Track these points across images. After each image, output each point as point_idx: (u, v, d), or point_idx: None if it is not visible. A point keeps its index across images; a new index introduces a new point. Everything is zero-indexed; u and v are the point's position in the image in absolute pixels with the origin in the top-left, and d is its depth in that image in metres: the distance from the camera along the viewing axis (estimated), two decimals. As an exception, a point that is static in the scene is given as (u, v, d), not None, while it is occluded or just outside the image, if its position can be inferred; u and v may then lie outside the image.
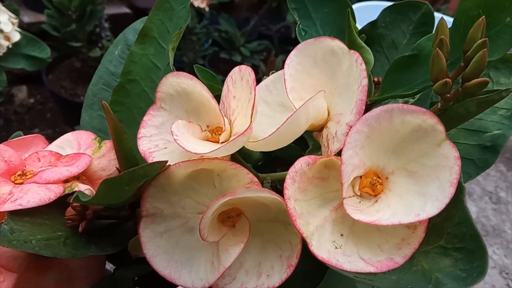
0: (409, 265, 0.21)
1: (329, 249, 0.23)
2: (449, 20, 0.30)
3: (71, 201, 0.25)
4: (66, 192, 0.27)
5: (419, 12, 0.38)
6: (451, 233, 0.21)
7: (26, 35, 1.01)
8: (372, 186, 0.24)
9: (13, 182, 0.28)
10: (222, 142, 0.26)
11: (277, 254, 0.24)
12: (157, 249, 0.25)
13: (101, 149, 0.32)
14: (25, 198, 0.26)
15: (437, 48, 0.24)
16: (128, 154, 0.27)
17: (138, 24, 0.40)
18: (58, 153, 0.31)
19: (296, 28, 0.36)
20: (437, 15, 0.32)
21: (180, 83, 0.28)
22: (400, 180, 0.24)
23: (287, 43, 1.60)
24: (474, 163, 0.35)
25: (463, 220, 0.21)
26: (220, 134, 0.27)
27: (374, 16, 0.39)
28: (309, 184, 0.24)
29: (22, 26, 1.11)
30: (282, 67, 0.31)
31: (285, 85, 0.27)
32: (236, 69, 0.27)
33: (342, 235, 0.24)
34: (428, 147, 0.23)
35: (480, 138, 0.35)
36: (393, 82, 0.34)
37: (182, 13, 0.34)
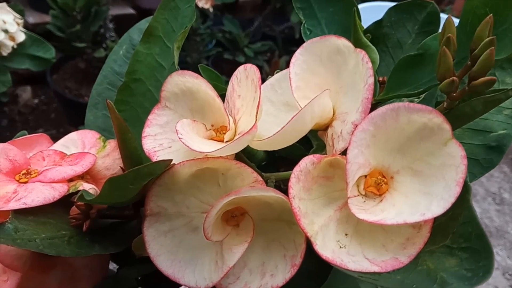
0: (414, 264, 0.21)
1: (333, 248, 0.23)
2: (455, 21, 0.30)
3: (75, 200, 0.26)
4: (71, 191, 0.27)
5: (425, 12, 0.38)
6: (457, 233, 0.21)
7: (31, 35, 1.01)
8: (377, 185, 0.24)
9: (17, 181, 0.28)
10: (226, 141, 0.26)
11: (281, 254, 0.24)
12: (161, 248, 0.25)
13: (105, 148, 0.32)
14: (29, 197, 0.26)
15: (444, 46, 0.24)
16: (132, 153, 0.27)
17: (143, 23, 0.40)
18: (62, 152, 0.31)
19: (301, 28, 0.36)
20: (442, 16, 0.32)
21: (185, 82, 0.28)
22: (405, 180, 0.24)
23: (291, 44, 1.60)
24: (479, 163, 0.34)
25: (468, 219, 0.21)
26: (224, 133, 0.27)
27: (378, 17, 0.39)
28: (313, 183, 0.24)
29: (27, 26, 1.12)
30: (286, 68, 0.31)
31: (290, 84, 0.27)
32: (241, 68, 0.27)
33: (346, 234, 0.23)
34: (434, 146, 0.23)
35: (485, 138, 0.35)
36: (398, 81, 0.34)
37: (187, 12, 0.34)
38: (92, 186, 0.29)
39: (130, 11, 1.66)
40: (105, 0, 1.29)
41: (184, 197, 0.25)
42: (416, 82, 0.33)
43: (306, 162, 0.23)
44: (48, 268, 0.27)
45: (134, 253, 0.28)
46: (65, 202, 0.27)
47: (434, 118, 0.22)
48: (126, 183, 0.22)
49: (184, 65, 1.43)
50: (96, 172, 0.31)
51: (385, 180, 0.24)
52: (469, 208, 0.21)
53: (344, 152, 0.24)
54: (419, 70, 0.33)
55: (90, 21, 1.26)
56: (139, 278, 0.32)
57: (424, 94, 0.34)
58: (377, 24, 0.39)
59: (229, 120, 0.27)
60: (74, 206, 0.27)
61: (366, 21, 0.40)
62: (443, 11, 1.58)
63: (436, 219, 0.21)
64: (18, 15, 0.98)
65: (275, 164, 0.37)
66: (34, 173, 0.29)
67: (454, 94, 0.25)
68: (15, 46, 0.96)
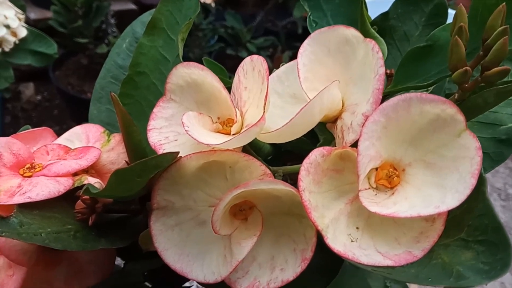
0: (428, 258, 0.21)
1: (345, 242, 0.22)
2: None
3: (80, 194, 0.25)
4: (76, 185, 0.27)
5: (432, 3, 0.37)
6: (472, 226, 0.20)
7: (33, 30, 1.01)
8: (389, 178, 0.24)
9: (21, 175, 0.28)
10: (233, 134, 0.26)
11: (291, 248, 0.24)
12: (168, 242, 0.25)
13: (110, 142, 0.32)
14: (34, 191, 0.25)
15: (456, 36, 0.23)
16: (137, 147, 0.27)
17: (146, 16, 0.39)
18: (66, 146, 0.30)
19: (307, 20, 0.35)
20: (450, 12, 0.32)
21: (190, 73, 0.27)
22: (417, 172, 0.23)
23: (294, 39, 1.59)
24: (489, 156, 0.34)
25: (484, 212, 0.20)
26: (231, 126, 0.26)
27: (384, 9, 0.38)
28: (323, 176, 0.24)
29: (28, 22, 1.11)
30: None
31: (298, 75, 0.27)
32: (247, 59, 0.27)
33: (357, 228, 0.23)
34: (447, 138, 0.22)
35: (495, 131, 0.34)
36: (406, 73, 0.33)
37: (191, 3, 0.34)
38: (97, 180, 0.28)
39: (132, 6, 1.65)
40: (106, -4, 1.29)
41: (191, 191, 0.25)
42: (425, 74, 0.33)
43: (316, 155, 0.23)
44: (54, 263, 0.27)
45: (140, 248, 0.27)
46: (70, 196, 0.27)
47: (447, 109, 0.22)
48: (133, 175, 0.22)
49: (187, 61, 1.42)
50: (101, 166, 0.31)
51: (397, 172, 0.23)
52: (485, 200, 0.20)
53: (354, 145, 0.23)
54: (427, 62, 0.33)
55: (92, 16, 1.26)
56: (146, 273, 0.32)
57: (432, 87, 0.33)
58: (384, 16, 0.38)
59: (236, 112, 0.26)
60: (80, 200, 0.26)
61: (372, 13, 0.39)
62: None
63: (450, 212, 0.21)
64: (19, 11, 0.97)
65: (281, 158, 0.36)
66: (38, 167, 0.28)
67: (466, 85, 0.25)
68: (17, 42, 0.96)
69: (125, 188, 0.24)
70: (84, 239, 0.25)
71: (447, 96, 0.31)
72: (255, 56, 0.26)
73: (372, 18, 0.38)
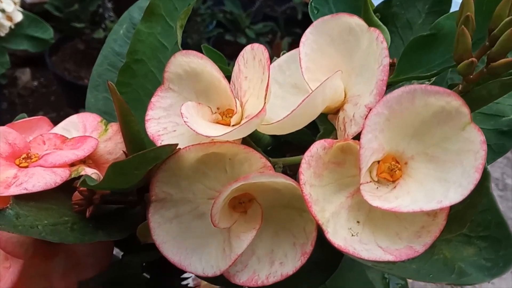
0: (429, 253, 0.21)
1: (345, 236, 0.22)
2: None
3: (78, 186, 0.25)
4: (73, 176, 0.27)
5: (436, -9, 0.36)
6: (475, 221, 0.20)
7: (29, 15, 0.99)
8: (391, 171, 0.23)
9: (17, 165, 0.27)
10: (233, 125, 0.25)
11: (291, 242, 0.24)
12: (166, 235, 0.24)
13: (107, 132, 0.31)
14: (30, 182, 0.25)
15: (462, 26, 0.23)
16: (135, 137, 0.26)
17: (144, 1, 0.38)
18: (63, 136, 0.30)
19: (309, 6, 0.35)
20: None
21: (189, 62, 0.27)
22: (420, 166, 0.23)
23: (293, 25, 1.57)
24: (490, 148, 0.33)
25: (488, 207, 0.20)
26: (231, 117, 0.26)
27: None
28: (324, 169, 0.23)
29: (24, 6, 1.09)
30: (288, 50, 0.29)
31: (300, 65, 0.26)
32: (248, 47, 0.26)
33: (358, 222, 0.23)
34: (451, 131, 0.22)
35: (497, 123, 0.34)
36: (409, 63, 0.33)
37: (190, -11, 0.33)
38: (95, 171, 0.28)
39: (129, -10, 1.62)
40: (103, -21, 1.27)
41: (190, 183, 0.24)
42: (428, 64, 0.32)
43: (317, 147, 0.23)
44: (52, 255, 0.27)
45: (139, 240, 0.27)
46: (67, 187, 0.26)
47: (452, 101, 0.21)
48: (130, 168, 0.22)
49: (185, 47, 1.39)
50: (98, 156, 0.30)
51: (399, 166, 0.23)
52: (489, 195, 0.20)
53: (356, 137, 0.23)
54: (431, 51, 0.32)
55: (88, 0, 1.24)
56: (144, 264, 0.32)
57: (434, 78, 0.32)
58: (386, 3, 0.37)
59: (236, 103, 0.26)
60: (77, 191, 0.26)
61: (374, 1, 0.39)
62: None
63: (452, 207, 0.21)
64: (14, -5, 0.96)
65: (281, 149, 0.36)
66: (35, 157, 0.28)
67: (471, 76, 0.24)
68: (12, 27, 0.94)
69: (123, 180, 0.23)
70: (81, 231, 0.24)
71: (449, 86, 0.31)
72: (256, 45, 0.25)
73: (375, 4, 0.37)
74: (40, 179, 0.25)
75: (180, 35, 0.31)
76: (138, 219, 0.28)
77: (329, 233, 0.22)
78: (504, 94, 0.26)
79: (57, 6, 1.22)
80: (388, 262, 0.21)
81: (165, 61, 0.32)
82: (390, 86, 0.33)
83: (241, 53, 0.26)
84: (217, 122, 0.26)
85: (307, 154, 0.22)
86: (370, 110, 0.22)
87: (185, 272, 0.25)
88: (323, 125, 0.33)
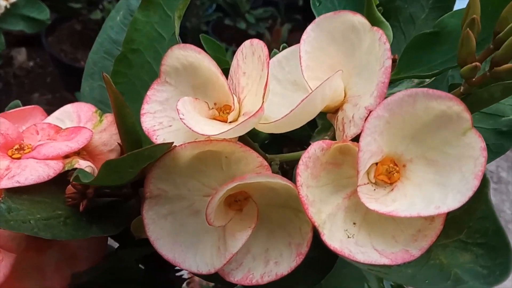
0: (426, 258, 0.20)
1: (341, 238, 0.22)
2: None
3: (71, 180, 0.24)
4: (66, 168, 0.26)
5: (440, -14, 0.36)
6: (473, 228, 0.20)
7: (24, -5, 0.97)
8: (388, 173, 0.23)
9: (10, 156, 0.27)
10: (230, 122, 0.25)
11: (286, 241, 0.23)
12: (161, 231, 0.24)
13: (102, 123, 0.31)
14: (23, 175, 0.24)
15: (468, 29, 0.22)
16: (130, 129, 0.26)
17: (141, -13, 0.37)
18: (57, 126, 0.29)
19: (311, -2, 0.34)
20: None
21: (186, 56, 0.26)
22: (418, 169, 0.22)
23: (294, 11, 1.55)
24: (488, 148, 0.33)
25: (486, 214, 0.20)
26: (228, 113, 0.25)
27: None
28: (322, 170, 0.23)
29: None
30: (288, 37, 0.29)
31: (300, 63, 0.25)
32: (247, 42, 0.25)
33: (354, 223, 0.23)
34: (451, 136, 0.21)
35: (496, 122, 0.33)
36: (411, 61, 0.32)
37: (189, -22, 0.32)
38: (89, 163, 0.28)
39: (128, -29, 1.59)
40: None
41: (185, 180, 0.24)
42: (430, 63, 0.31)
43: (315, 148, 0.22)
44: (45, 248, 0.26)
45: (133, 234, 0.27)
46: (60, 179, 0.26)
47: (454, 106, 0.21)
48: (125, 166, 0.21)
49: (183, 30, 1.39)
50: (93, 148, 0.30)
51: (397, 168, 0.23)
52: (487, 202, 0.20)
53: (354, 138, 0.23)
54: (434, 49, 0.32)
55: (86, -19, 1.21)
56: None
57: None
58: (390, -4, 0.37)
59: (233, 99, 0.25)
60: (70, 185, 0.25)
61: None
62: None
63: (450, 212, 0.20)
64: (10, -27, 0.94)
65: (278, 142, 0.36)
66: (28, 148, 0.27)
67: (474, 80, 0.24)
68: (8, 6, 0.93)
69: (117, 177, 0.23)
70: (74, 226, 0.24)
71: (450, 87, 0.30)
72: (255, 40, 0.25)
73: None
74: (33, 171, 0.25)
75: (178, 26, 0.30)
76: (132, 212, 0.27)
77: (325, 235, 0.21)
78: (505, 97, 0.25)
79: (53, -15, 1.20)
80: (384, 266, 0.21)
81: (162, 51, 0.31)
82: (391, 83, 0.32)
83: (240, 47, 0.26)
84: (214, 118, 0.26)
85: (305, 155, 0.22)
86: (370, 112, 0.21)
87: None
88: (320, 120, 0.32)
